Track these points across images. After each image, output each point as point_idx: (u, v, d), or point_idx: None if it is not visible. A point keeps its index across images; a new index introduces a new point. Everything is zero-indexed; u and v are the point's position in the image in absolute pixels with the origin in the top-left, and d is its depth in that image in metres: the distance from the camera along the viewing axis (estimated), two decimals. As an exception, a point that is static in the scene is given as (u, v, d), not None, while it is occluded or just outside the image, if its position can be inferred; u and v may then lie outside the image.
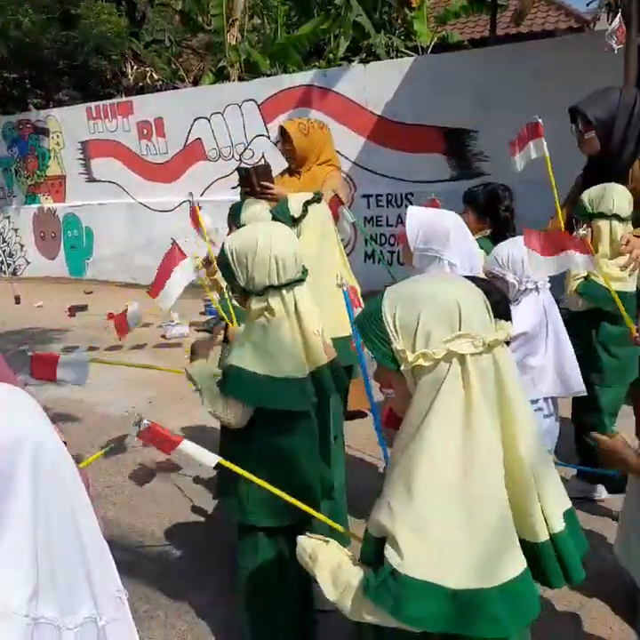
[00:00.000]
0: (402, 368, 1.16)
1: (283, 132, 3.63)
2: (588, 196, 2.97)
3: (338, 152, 3.90)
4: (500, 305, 1.18)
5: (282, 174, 3.83)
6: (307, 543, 1.35)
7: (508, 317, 1.18)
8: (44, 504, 0.92)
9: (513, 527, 1.14)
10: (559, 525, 1.19)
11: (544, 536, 1.17)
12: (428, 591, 1.07)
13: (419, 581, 1.08)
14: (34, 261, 10.76)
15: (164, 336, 6.90)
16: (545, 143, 3.27)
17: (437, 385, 1.13)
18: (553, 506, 1.19)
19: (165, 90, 10.55)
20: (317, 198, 2.64)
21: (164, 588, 2.80)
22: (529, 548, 1.17)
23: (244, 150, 8.31)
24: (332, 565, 1.27)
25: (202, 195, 8.58)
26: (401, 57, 9.18)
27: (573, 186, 3.49)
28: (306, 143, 3.56)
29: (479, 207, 3.32)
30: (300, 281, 1.94)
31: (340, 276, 2.42)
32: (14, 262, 11.06)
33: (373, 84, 7.19)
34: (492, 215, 3.30)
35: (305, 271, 1.97)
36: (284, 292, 1.90)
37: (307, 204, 2.59)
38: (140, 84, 11.59)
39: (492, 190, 3.36)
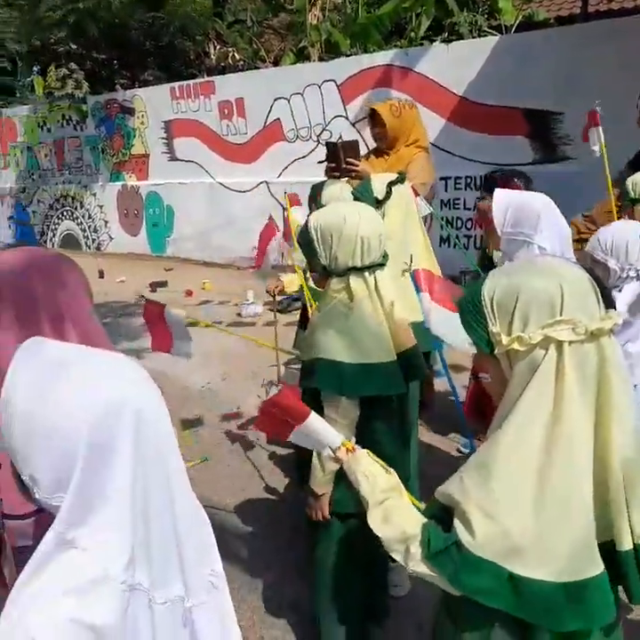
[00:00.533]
0: (496, 352, 1.14)
1: (374, 114, 3.62)
2: (631, 181, 2.90)
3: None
4: (605, 291, 1.13)
5: (367, 157, 3.83)
6: (366, 462, 1.41)
7: (611, 305, 1.13)
8: (144, 477, 0.92)
9: (592, 527, 1.09)
10: None
11: (628, 544, 1.09)
12: (489, 569, 1.10)
13: (481, 559, 1.10)
14: (117, 237, 11.17)
15: (239, 314, 7.07)
16: (601, 132, 3.31)
17: (531, 372, 1.09)
18: None
19: (246, 70, 10.65)
20: (401, 179, 2.56)
21: (237, 563, 2.90)
22: (614, 554, 1.11)
23: (322, 131, 8.32)
24: (387, 500, 1.32)
25: (279, 176, 8.68)
26: (484, 36, 8.93)
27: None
28: (398, 125, 3.57)
29: None
30: (381, 265, 1.90)
31: (411, 257, 2.37)
32: (98, 238, 11.51)
33: (456, 63, 7.04)
34: None
35: (385, 256, 1.93)
36: (366, 274, 1.87)
37: (391, 185, 2.52)
38: (222, 64, 11.74)
39: (512, 176, 3.42)
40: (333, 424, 1.81)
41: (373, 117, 3.66)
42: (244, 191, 9.24)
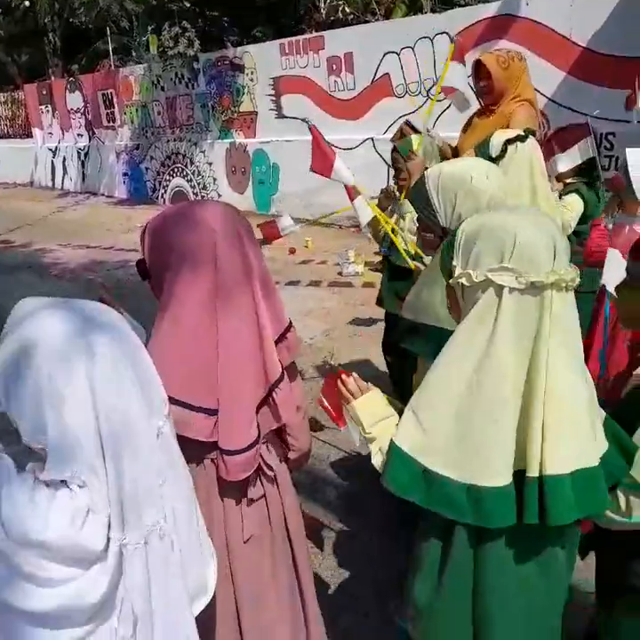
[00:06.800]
0: (450, 281, 1.29)
1: (479, 66, 3.40)
2: None
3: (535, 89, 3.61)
4: None
5: (468, 122, 3.62)
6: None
7: None
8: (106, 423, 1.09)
9: (504, 445, 1.21)
10: (553, 469, 1.18)
11: (534, 471, 1.19)
12: (406, 462, 1.28)
13: (401, 451, 1.29)
14: (224, 195, 11.37)
15: (340, 273, 7.07)
16: None
17: (471, 308, 1.23)
18: (562, 450, 1.18)
19: (356, 24, 10.43)
20: (522, 136, 2.33)
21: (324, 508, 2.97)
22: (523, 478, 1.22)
23: (433, 85, 8.06)
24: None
25: (385, 132, 8.50)
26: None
27: None
28: (505, 77, 3.29)
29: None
30: None
31: None
32: (207, 195, 11.78)
33: (581, 11, 6.56)
34: None
35: None
36: None
37: (508, 142, 2.32)
38: (332, 19, 11.55)
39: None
40: None
41: (478, 69, 3.41)
42: (350, 148, 9.14)
